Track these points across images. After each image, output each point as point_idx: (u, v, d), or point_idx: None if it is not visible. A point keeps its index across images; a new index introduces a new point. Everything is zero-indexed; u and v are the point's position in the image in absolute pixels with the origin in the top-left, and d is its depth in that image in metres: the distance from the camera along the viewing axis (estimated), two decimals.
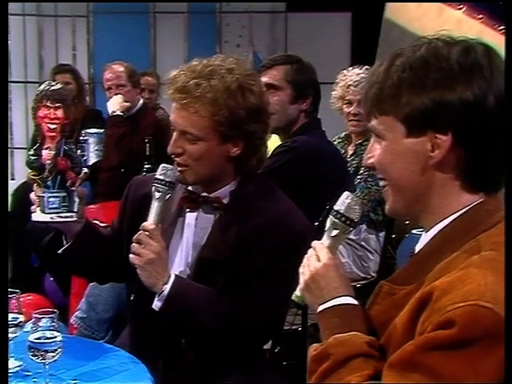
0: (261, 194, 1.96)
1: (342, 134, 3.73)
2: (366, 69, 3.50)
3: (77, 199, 1.93)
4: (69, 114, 1.89)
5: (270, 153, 2.87)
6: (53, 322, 1.64)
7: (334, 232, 1.44)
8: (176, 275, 1.87)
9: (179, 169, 1.91)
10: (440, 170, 1.27)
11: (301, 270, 1.44)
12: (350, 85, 3.58)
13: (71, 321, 3.13)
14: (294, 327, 2.76)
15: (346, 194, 1.45)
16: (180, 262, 1.97)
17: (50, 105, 1.87)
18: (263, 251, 1.88)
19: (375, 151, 1.33)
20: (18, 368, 1.76)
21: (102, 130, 4.22)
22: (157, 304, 1.85)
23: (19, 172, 5.56)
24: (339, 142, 3.67)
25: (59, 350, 1.64)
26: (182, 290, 1.86)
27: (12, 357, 1.75)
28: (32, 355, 1.64)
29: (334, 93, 3.68)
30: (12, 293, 1.75)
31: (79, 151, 3.78)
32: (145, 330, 1.99)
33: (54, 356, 1.64)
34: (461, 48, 1.26)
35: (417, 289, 1.23)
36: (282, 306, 1.96)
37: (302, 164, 2.78)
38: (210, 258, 1.92)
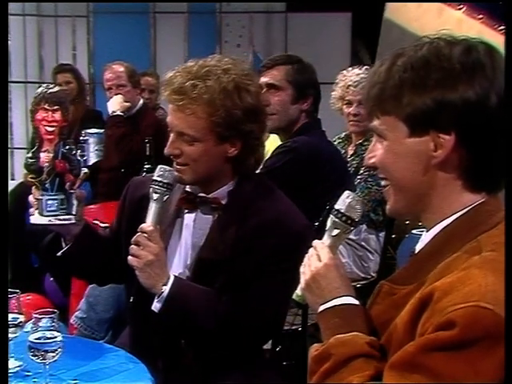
0: (259, 194, 1.96)
1: (342, 134, 3.73)
2: (366, 69, 3.51)
3: (75, 201, 1.93)
4: (67, 117, 1.90)
5: (269, 153, 2.88)
6: (53, 322, 1.64)
7: (335, 231, 1.43)
8: (175, 276, 1.87)
9: (177, 168, 1.91)
10: (442, 169, 1.26)
11: (301, 269, 1.44)
12: (349, 85, 3.58)
13: (71, 321, 3.13)
14: (294, 327, 2.76)
15: (346, 193, 1.45)
16: (179, 263, 1.97)
17: (48, 107, 1.88)
18: (262, 251, 1.88)
19: (377, 151, 1.32)
20: (18, 368, 1.76)
21: (102, 130, 4.22)
22: (156, 305, 1.85)
23: (19, 172, 5.55)
24: (339, 142, 3.67)
25: (59, 350, 1.64)
26: (182, 291, 1.86)
27: (12, 357, 1.75)
28: (32, 355, 1.64)
29: (333, 93, 3.68)
30: (12, 293, 1.75)
31: (79, 151, 3.77)
32: (144, 331, 1.99)
33: (54, 356, 1.64)
34: (462, 47, 1.26)
35: (417, 289, 1.23)
36: (282, 306, 1.96)
37: (303, 164, 2.78)
38: (209, 259, 1.92)
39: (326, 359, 1.29)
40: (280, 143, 2.96)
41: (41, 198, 1.89)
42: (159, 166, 1.91)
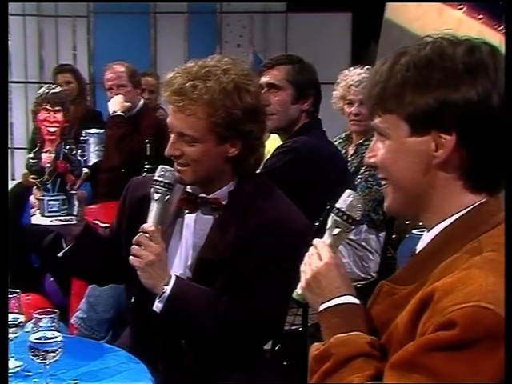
0: (259, 194, 1.96)
1: (343, 134, 3.74)
2: (368, 69, 3.51)
3: (76, 202, 1.93)
4: (68, 117, 1.90)
5: (270, 153, 2.88)
6: (53, 322, 1.64)
7: (336, 230, 1.43)
8: (176, 276, 1.87)
9: (178, 169, 1.91)
10: (443, 169, 1.26)
11: (302, 268, 1.44)
12: (351, 85, 3.59)
13: (71, 321, 3.13)
14: (294, 327, 2.76)
15: (347, 192, 1.45)
16: (179, 263, 1.97)
17: (50, 108, 1.88)
18: (262, 251, 1.88)
19: (378, 150, 1.32)
20: (18, 368, 1.76)
21: (103, 131, 4.22)
22: (158, 305, 1.85)
23: (19, 172, 5.55)
24: (340, 142, 3.68)
25: (60, 350, 1.64)
26: (183, 291, 1.86)
27: (12, 357, 1.75)
28: (32, 355, 1.64)
29: (335, 93, 3.68)
30: (12, 293, 1.75)
31: (79, 151, 3.78)
32: (145, 331, 1.99)
33: (54, 356, 1.64)
34: (466, 47, 1.26)
35: (418, 289, 1.23)
36: (282, 306, 1.96)
37: (303, 164, 2.78)
38: (209, 259, 1.92)
39: (326, 359, 1.29)
40: (280, 143, 2.96)
41: (42, 198, 1.89)
42: (160, 166, 1.91)
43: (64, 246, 2.00)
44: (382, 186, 1.37)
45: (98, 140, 4.18)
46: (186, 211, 1.98)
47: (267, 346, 2.19)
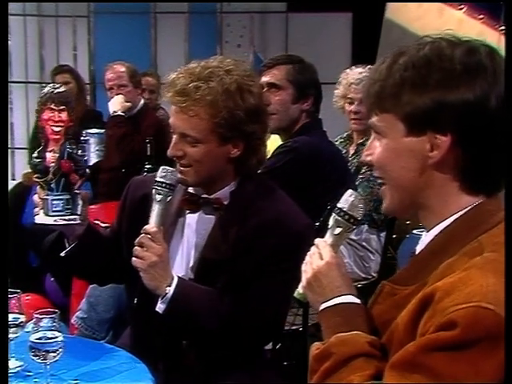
0: (261, 194, 1.96)
1: (344, 134, 3.74)
2: (369, 68, 3.51)
3: (80, 202, 1.93)
4: (73, 117, 1.90)
5: (270, 153, 2.88)
6: (54, 322, 1.64)
7: (337, 230, 1.43)
8: (179, 277, 1.87)
9: (180, 170, 1.91)
10: (439, 170, 1.26)
11: (303, 267, 1.44)
12: (351, 83, 3.60)
13: (72, 321, 3.13)
14: (294, 327, 2.76)
15: (349, 191, 1.45)
16: (181, 263, 1.97)
17: (55, 107, 1.88)
18: (264, 251, 1.88)
19: (374, 149, 1.32)
20: (19, 368, 1.76)
21: (103, 131, 4.22)
22: (160, 306, 1.85)
23: (20, 172, 5.55)
24: (341, 142, 3.68)
25: (60, 350, 1.64)
26: (185, 292, 1.86)
27: (13, 357, 1.75)
28: (33, 355, 1.64)
29: (336, 91, 3.69)
30: (13, 293, 1.75)
31: (80, 151, 3.78)
32: (146, 332, 1.99)
33: (55, 356, 1.64)
34: (464, 48, 1.25)
35: (419, 289, 1.23)
36: (283, 306, 1.96)
37: (303, 164, 2.78)
38: (211, 259, 1.92)
39: (326, 358, 1.29)
40: (281, 143, 2.96)
41: (46, 197, 1.89)
42: (161, 167, 1.91)
43: (66, 245, 2.00)
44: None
45: (99, 140, 4.18)
46: (188, 211, 1.98)
47: (267, 346, 2.19)
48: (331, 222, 1.44)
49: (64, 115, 1.88)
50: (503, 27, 3.76)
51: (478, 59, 1.24)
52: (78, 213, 1.92)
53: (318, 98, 2.95)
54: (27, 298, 3.38)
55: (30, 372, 1.74)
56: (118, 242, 2.04)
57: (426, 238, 1.32)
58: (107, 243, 2.08)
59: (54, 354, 1.64)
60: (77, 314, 3.12)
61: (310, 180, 2.80)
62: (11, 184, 4.90)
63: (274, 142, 3.21)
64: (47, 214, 1.89)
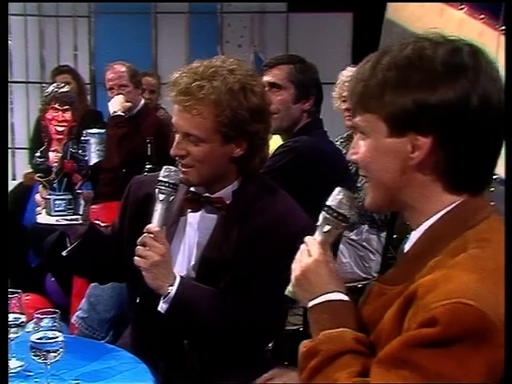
0: (263, 194, 1.96)
1: (344, 134, 3.76)
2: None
3: (82, 202, 1.93)
4: (76, 117, 1.89)
5: (271, 153, 2.87)
6: (54, 322, 1.64)
7: (327, 227, 1.44)
8: (181, 277, 1.87)
9: (183, 170, 1.91)
10: (420, 170, 1.26)
11: (293, 265, 1.44)
12: (344, 81, 3.63)
13: (72, 321, 3.13)
14: (294, 327, 2.76)
15: (337, 189, 1.46)
16: (182, 262, 1.97)
17: (59, 107, 1.87)
18: (265, 251, 1.88)
19: (359, 148, 1.33)
20: (19, 368, 1.76)
21: (104, 131, 4.22)
22: (162, 306, 1.84)
23: (21, 172, 5.55)
24: (342, 142, 3.69)
25: (61, 350, 1.64)
26: (188, 291, 1.86)
27: (14, 357, 1.75)
28: (34, 355, 1.64)
29: (333, 93, 3.71)
30: (13, 293, 1.75)
31: (80, 151, 3.78)
32: (147, 331, 1.99)
33: (55, 356, 1.64)
34: (447, 49, 1.25)
35: (406, 288, 1.23)
36: (285, 306, 1.96)
37: (304, 164, 2.77)
38: (212, 258, 1.92)
39: (313, 356, 1.29)
40: (281, 143, 2.96)
41: (49, 197, 1.88)
42: (164, 167, 1.91)
43: (68, 245, 2.00)
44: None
45: (99, 140, 4.18)
46: (189, 210, 1.98)
47: (267, 346, 2.19)
48: (320, 219, 1.45)
49: (68, 115, 1.88)
50: (504, 27, 3.76)
51: (460, 59, 1.24)
52: (80, 213, 1.92)
53: (319, 98, 2.95)
54: (27, 297, 3.38)
55: (30, 372, 1.74)
56: (120, 241, 2.04)
57: (413, 237, 1.33)
58: (108, 243, 2.08)
59: (55, 354, 1.63)
60: (77, 313, 3.12)
61: (311, 180, 2.79)
62: (12, 184, 4.90)
63: (274, 142, 3.21)
64: (49, 214, 1.89)
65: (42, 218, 1.91)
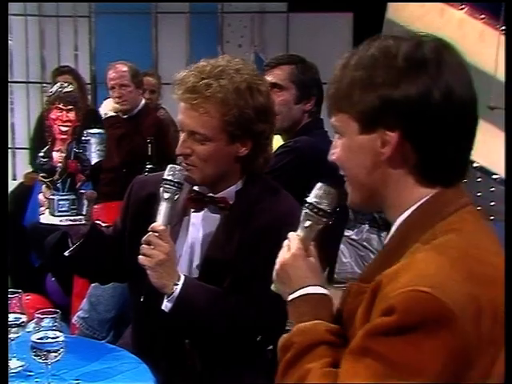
0: (266, 195, 1.97)
1: None
2: None
3: (86, 202, 1.93)
4: (80, 117, 1.89)
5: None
6: (55, 322, 1.65)
7: (307, 223, 1.45)
8: (185, 276, 1.87)
9: (187, 168, 1.91)
10: (391, 166, 1.28)
11: (276, 260, 1.46)
12: None
13: (73, 321, 3.13)
14: None
15: (318, 185, 1.48)
16: (185, 261, 1.97)
17: (63, 107, 1.86)
18: (268, 251, 1.87)
19: (337, 148, 1.36)
20: (20, 368, 1.76)
21: (104, 131, 4.23)
22: (167, 305, 1.84)
23: (21, 172, 5.56)
24: None
25: (61, 350, 1.64)
26: (192, 290, 1.86)
27: (14, 357, 1.76)
28: (34, 355, 1.65)
29: None
30: (14, 293, 1.75)
31: (81, 151, 3.78)
32: (149, 331, 1.99)
33: (56, 356, 1.64)
34: (409, 44, 1.27)
35: None
36: (285, 306, 1.96)
37: (304, 164, 2.77)
38: (215, 258, 1.92)
39: (288, 349, 1.31)
40: (282, 143, 2.96)
41: (52, 197, 1.88)
42: (169, 166, 1.90)
43: (70, 245, 1.99)
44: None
45: (100, 140, 4.18)
46: (193, 210, 1.98)
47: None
48: (302, 215, 1.46)
49: (72, 115, 1.87)
50: (504, 27, 3.76)
51: (421, 54, 1.25)
52: (84, 213, 1.92)
53: (320, 99, 2.95)
54: (28, 297, 3.39)
55: (31, 372, 1.74)
56: (121, 241, 2.04)
57: (390, 232, 1.34)
58: (110, 243, 2.08)
59: (56, 354, 1.64)
60: (78, 313, 3.13)
61: (311, 180, 2.77)
62: (12, 184, 4.91)
63: (275, 142, 3.21)
64: (53, 214, 1.88)
65: (46, 218, 1.90)
